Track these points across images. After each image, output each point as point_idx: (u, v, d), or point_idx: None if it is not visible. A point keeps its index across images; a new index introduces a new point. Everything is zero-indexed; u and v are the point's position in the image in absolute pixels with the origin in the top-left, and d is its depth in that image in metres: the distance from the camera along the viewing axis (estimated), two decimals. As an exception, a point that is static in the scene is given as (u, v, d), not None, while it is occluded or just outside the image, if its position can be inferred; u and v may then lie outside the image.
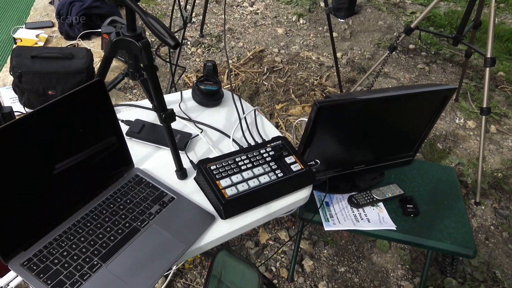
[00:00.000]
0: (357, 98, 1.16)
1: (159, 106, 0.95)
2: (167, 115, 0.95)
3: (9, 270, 0.81)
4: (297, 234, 1.67)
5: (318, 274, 1.68)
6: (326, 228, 1.29)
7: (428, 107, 1.30)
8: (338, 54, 2.90)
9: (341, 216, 1.33)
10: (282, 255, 1.72)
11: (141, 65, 0.94)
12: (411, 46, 3.08)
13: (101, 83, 0.91)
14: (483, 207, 2.01)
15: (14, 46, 2.36)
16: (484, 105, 1.90)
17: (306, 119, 1.14)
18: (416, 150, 1.43)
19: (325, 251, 1.76)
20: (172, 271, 1.59)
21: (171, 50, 2.49)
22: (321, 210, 1.33)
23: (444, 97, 1.28)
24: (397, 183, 1.45)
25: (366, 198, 1.37)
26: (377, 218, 1.34)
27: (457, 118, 2.52)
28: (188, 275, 1.61)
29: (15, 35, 2.49)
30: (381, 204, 1.39)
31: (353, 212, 1.35)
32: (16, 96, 2.10)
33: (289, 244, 1.76)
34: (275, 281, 1.64)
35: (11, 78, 2.09)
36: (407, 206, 1.38)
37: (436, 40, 3.15)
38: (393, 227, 1.32)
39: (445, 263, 1.62)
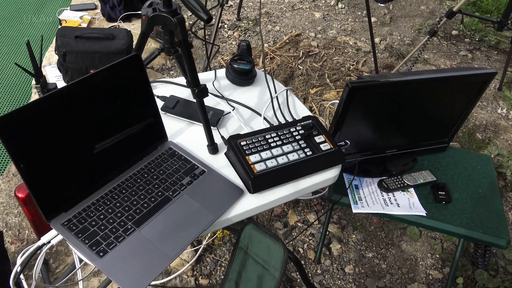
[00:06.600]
0: (390, 80, 1.15)
1: (193, 81, 0.98)
2: (200, 90, 0.98)
3: (49, 230, 0.87)
4: (326, 216, 1.67)
5: (345, 257, 1.69)
6: (354, 211, 1.29)
7: (465, 92, 1.26)
8: (377, 40, 2.84)
9: (370, 199, 1.32)
10: (310, 237, 1.74)
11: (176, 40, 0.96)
12: (454, 32, 2.96)
13: (138, 57, 0.95)
14: (522, 200, 1.94)
15: (59, 27, 2.46)
16: (528, 94, 1.82)
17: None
18: (451, 137, 1.40)
19: (354, 235, 1.76)
20: (202, 246, 1.64)
21: (206, 25, 2.52)
22: (350, 192, 1.34)
23: (482, 81, 1.24)
24: (430, 169, 1.43)
25: (397, 183, 1.36)
26: (407, 203, 1.33)
27: (500, 108, 2.41)
28: (218, 251, 1.66)
29: (60, 17, 2.60)
30: (412, 189, 1.37)
31: (382, 196, 1.34)
32: (61, 74, 2.21)
33: (317, 227, 1.77)
34: (302, 262, 1.66)
35: (56, 58, 2.20)
36: (439, 193, 1.35)
37: (481, 26, 3.01)
38: (423, 213, 1.30)
39: (477, 254, 1.58)
